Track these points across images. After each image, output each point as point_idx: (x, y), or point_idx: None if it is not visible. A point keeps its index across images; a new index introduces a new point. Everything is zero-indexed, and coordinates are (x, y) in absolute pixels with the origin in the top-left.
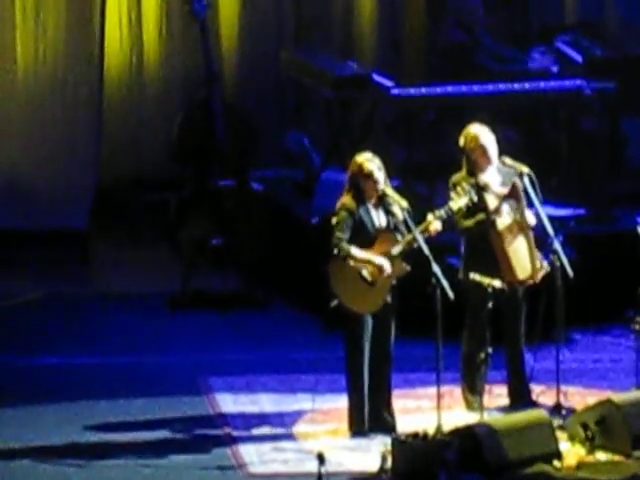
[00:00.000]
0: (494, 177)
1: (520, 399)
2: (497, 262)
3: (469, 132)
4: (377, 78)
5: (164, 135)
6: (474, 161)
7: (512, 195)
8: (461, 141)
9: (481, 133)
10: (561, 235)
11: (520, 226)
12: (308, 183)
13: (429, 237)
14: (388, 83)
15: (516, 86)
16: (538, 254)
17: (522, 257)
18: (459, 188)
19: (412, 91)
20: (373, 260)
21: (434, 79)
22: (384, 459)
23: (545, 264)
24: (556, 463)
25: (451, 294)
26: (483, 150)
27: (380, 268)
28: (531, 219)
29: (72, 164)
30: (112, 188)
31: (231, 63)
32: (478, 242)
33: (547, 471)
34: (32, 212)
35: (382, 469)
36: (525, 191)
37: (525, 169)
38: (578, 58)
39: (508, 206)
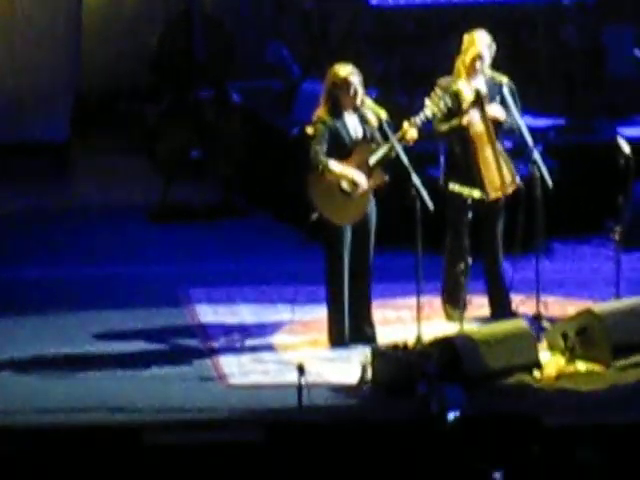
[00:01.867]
0: (481, 85)
1: (500, 309)
2: (473, 173)
3: (467, 37)
4: None
5: (143, 47)
6: (463, 67)
7: (477, 102)
8: (466, 40)
9: (478, 39)
10: (540, 145)
11: (490, 137)
12: (287, 94)
13: (408, 146)
14: None
15: None
16: (511, 167)
17: (495, 168)
18: (433, 94)
19: (390, 2)
20: (351, 175)
21: None
22: (364, 370)
23: (517, 179)
24: (536, 373)
25: (431, 205)
26: (475, 55)
27: (357, 184)
28: (500, 113)
29: (52, 75)
30: (92, 99)
31: None
32: (458, 151)
33: (527, 381)
34: (10, 123)
35: (362, 380)
36: (504, 101)
37: (504, 79)
38: None
39: (477, 114)
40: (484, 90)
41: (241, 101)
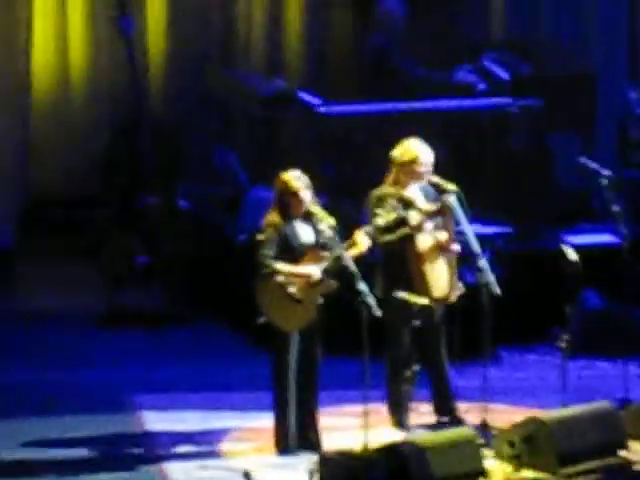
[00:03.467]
0: (416, 193)
1: (445, 416)
2: (412, 279)
3: (409, 148)
4: (303, 96)
5: (91, 152)
6: (403, 176)
7: (441, 213)
8: (397, 153)
9: (418, 148)
10: (488, 253)
11: (442, 245)
12: (235, 200)
13: (357, 255)
14: (315, 101)
15: (442, 104)
16: (455, 273)
17: (439, 277)
18: (386, 204)
19: (338, 109)
20: (301, 272)
21: (361, 92)
22: (311, 477)
23: (460, 285)
24: None
25: (378, 312)
26: (418, 164)
27: (309, 276)
28: (455, 247)
29: None
30: (39, 205)
31: (158, 80)
32: (396, 259)
33: None
34: None
35: None
36: (451, 209)
37: (452, 187)
38: (505, 75)
39: (432, 224)
40: (421, 198)
41: (188, 207)
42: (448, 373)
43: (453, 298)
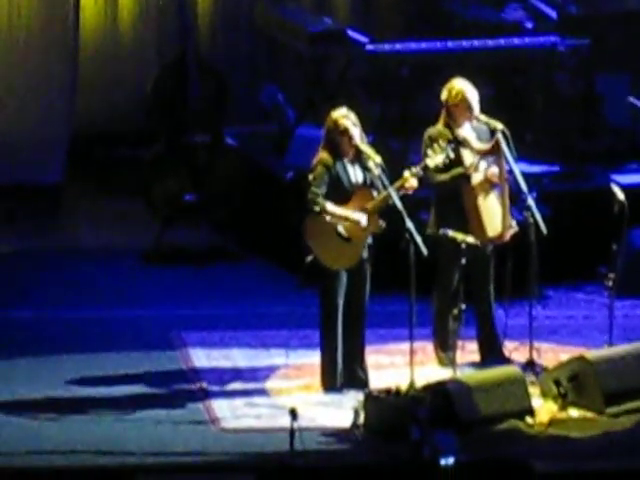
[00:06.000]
0: (470, 133)
1: (491, 355)
2: (465, 218)
3: (454, 86)
4: (351, 34)
5: (138, 89)
6: (455, 115)
7: (493, 151)
8: (444, 94)
9: (466, 88)
10: (535, 192)
11: (495, 183)
12: (282, 139)
13: (405, 194)
14: (363, 39)
15: (490, 42)
16: (508, 211)
17: (494, 215)
18: (436, 145)
19: (387, 47)
20: (349, 215)
21: (409, 34)
22: (357, 415)
23: (514, 224)
24: (528, 419)
25: (424, 250)
26: (467, 105)
27: (357, 223)
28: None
29: (47, 118)
30: (86, 141)
31: (205, 18)
32: (450, 197)
33: (519, 427)
34: (5, 165)
35: (355, 425)
36: (502, 147)
37: (499, 125)
38: (552, 14)
39: (485, 162)
40: (473, 136)
41: (236, 145)
42: (494, 312)
43: (507, 237)
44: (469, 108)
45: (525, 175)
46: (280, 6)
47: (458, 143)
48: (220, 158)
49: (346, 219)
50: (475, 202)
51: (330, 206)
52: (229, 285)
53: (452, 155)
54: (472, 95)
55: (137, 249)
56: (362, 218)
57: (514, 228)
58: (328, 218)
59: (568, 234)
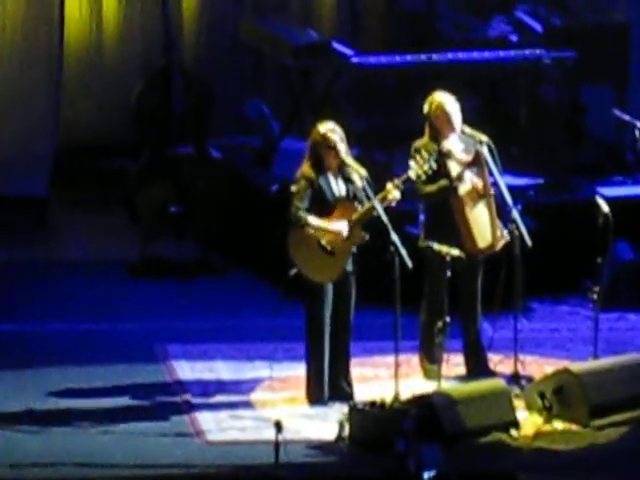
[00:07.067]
0: (456, 144)
1: (477, 368)
2: (456, 230)
3: (434, 99)
4: (337, 46)
5: (123, 101)
6: (437, 128)
7: (475, 162)
8: (425, 107)
9: (446, 100)
10: (519, 204)
11: (481, 194)
12: (267, 151)
13: (388, 206)
14: (348, 51)
15: (475, 55)
16: (499, 223)
17: (483, 225)
18: (418, 156)
19: (372, 59)
20: (330, 227)
21: (393, 47)
22: (342, 427)
23: (505, 233)
24: (513, 432)
25: (409, 263)
26: (447, 117)
27: (338, 233)
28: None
29: (32, 132)
30: (71, 154)
31: (190, 30)
32: (439, 210)
33: (504, 440)
34: None
35: (340, 437)
36: (485, 158)
37: (484, 138)
38: (537, 27)
39: (470, 173)
40: (460, 148)
41: (220, 158)
42: (481, 324)
43: (498, 247)
44: (449, 121)
45: (510, 187)
46: (265, 18)
47: (443, 155)
48: (204, 170)
49: (327, 231)
50: (463, 213)
51: (312, 219)
52: (213, 298)
53: (434, 166)
54: (452, 107)
55: (122, 262)
56: (343, 228)
57: (505, 237)
58: (311, 231)
59: (553, 247)
